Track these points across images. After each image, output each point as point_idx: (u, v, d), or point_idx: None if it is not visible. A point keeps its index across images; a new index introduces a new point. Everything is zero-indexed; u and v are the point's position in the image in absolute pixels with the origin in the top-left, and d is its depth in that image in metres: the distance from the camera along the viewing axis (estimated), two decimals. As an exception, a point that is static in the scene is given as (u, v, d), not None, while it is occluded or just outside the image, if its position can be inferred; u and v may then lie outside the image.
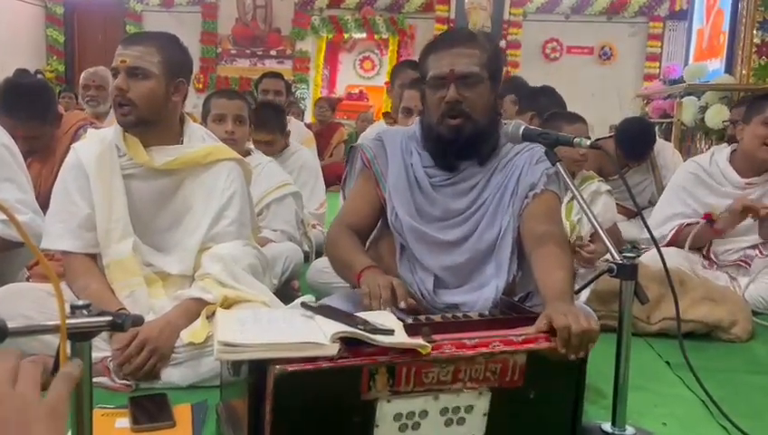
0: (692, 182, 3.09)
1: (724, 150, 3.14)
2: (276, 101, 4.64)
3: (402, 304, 1.56)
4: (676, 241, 3.03)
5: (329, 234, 1.94)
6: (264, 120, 3.55)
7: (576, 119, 3.03)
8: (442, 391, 1.30)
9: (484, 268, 1.80)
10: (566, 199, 3.00)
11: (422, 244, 1.81)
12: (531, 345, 1.34)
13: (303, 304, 1.48)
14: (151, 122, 1.96)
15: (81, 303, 1.04)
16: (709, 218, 2.93)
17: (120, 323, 1.04)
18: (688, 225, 3.02)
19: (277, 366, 1.19)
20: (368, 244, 1.96)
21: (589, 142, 1.60)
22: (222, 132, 2.81)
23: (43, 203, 2.40)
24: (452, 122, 1.77)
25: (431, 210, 1.84)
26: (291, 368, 1.19)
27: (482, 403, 1.33)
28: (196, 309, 1.87)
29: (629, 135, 4.13)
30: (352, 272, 1.73)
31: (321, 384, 1.22)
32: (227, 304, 1.87)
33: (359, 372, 1.24)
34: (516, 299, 1.69)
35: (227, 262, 1.92)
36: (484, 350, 1.31)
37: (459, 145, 1.80)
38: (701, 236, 3.01)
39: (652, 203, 4.35)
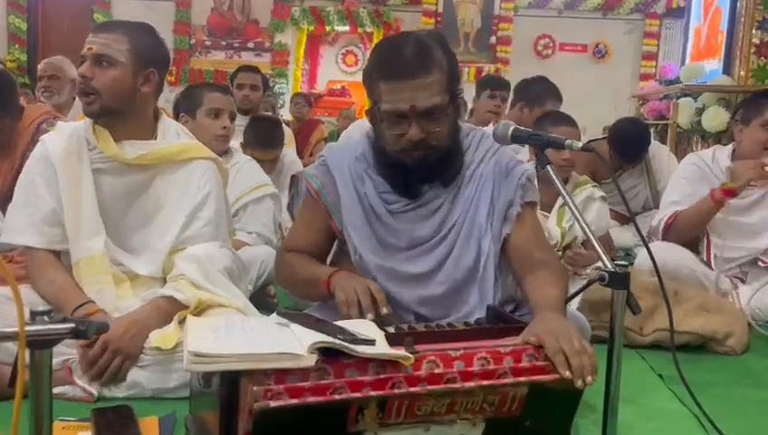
0: (694, 174, 3.06)
1: (725, 149, 3.13)
2: (252, 96, 4.61)
3: (384, 310, 1.54)
4: (670, 227, 2.99)
5: (277, 261, 1.90)
6: (269, 139, 3.58)
7: (563, 120, 3.04)
8: (434, 422, 1.30)
9: (466, 299, 1.72)
10: (557, 205, 3.02)
11: (393, 281, 1.72)
12: (535, 377, 1.33)
13: (279, 312, 1.48)
14: (118, 113, 1.96)
15: (41, 308, 1.03)
16: (731, 193, 2.87)
17: (84, 330, 1.04)
18: (682, 211, 2.99)
19: (257, 405, 1.15)
20: None
21: (581, 145, 1.61)
22: (218, 128, 2.83)
23: (2, 199, 2.38)
24: (416, 154, 1.68)
25: (395, 241, 1.75)
26: (273, 404, 1.16)
27: (475, 433, 1.33)
28: (168, 309, 1.86)
29: (623, 136, 4.17)
30: (318, 283, 1.66)
31: (305, 418, 1.20)
32: (200, 308, 1.87)
33: (346, 408, 1.23)
34: (509, 310, 1.70)
35: (203, 262, 1.92)
36: (484, 383, 1.28)
37: (424, 172, 1.71)
38: (703, 212, 2.95)
39: (646, 208, 4.40)
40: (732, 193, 2.87)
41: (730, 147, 3.12)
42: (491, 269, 1.73)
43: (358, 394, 1.22)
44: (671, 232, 2.99)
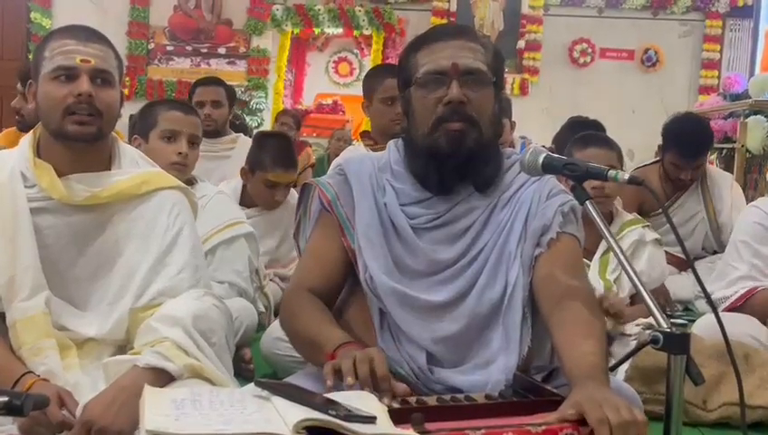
0: (757, 236, 3.01)
1: None
2: (215, 115, 4.65)
3: (386, 401, 1.49)
4: (743, 305, 2.96)
5: (285, 302, 1.92)
6: (288, 156, 3.73)
7: (591, 141, 3.06)
8: None
9: (488, 339, 1.78)
10: (599, 252, 3.03)
11: (406, 310, 1.79)
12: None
13: (257, 382, 1.48)
14: (101, 140, 2.00)
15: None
16: None
17: (19, 404, 1.05)
18: (764, 289, 2.93)
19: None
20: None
21: (627, 176, 1.62)
22: (172, 154, 2.84)
23: None
24: (453, 126, 1.79)
25: (413, 263, 1.82)
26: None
27: None
28: (154, 382, 1.77)
29: (680, 130, 4.22)
30: (322, 351, 1.68)
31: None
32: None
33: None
34: (539, 378, 1.70)
35: (187, 325, 1.88)
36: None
37: (459, 159, 1.80)
38: None
39: (707, 249, 4.42)
40: None
41: None
42: (518, 304, 1.76)
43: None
44: (743, 309, 2.95)
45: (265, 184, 3.65)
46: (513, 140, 4.46)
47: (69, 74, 1.94)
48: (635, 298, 2.99)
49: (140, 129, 2.97)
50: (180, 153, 2.87)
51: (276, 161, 3.65)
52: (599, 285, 2.95)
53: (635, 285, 1.57)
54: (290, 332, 1.88)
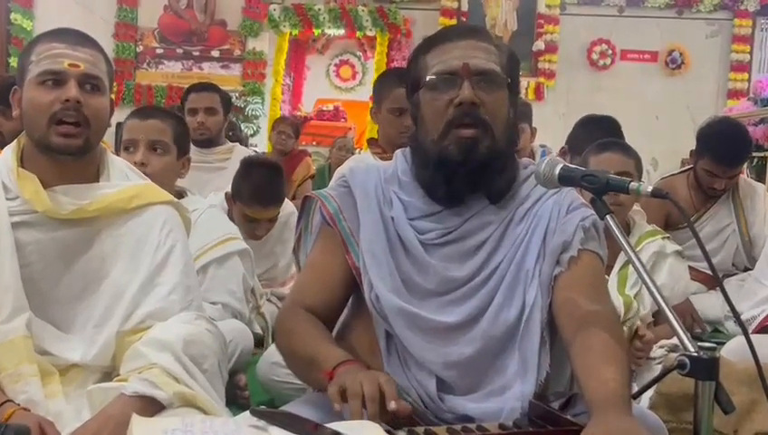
0: None
1: None
2: (209, 123, 4.58)
3: (392, 405, 1.51)
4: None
5: (280, 319, 1.91)
6: (268, 191, 3.63)
7: (607, 147, 3.06)
8: None
9: (504, 365, 1.76)
10: (617, 266, 3.02)
11: (415, 332, 1.77)
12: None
13: (253, 411, 1.48)
14: (89, 152, 2.00)
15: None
16: None
17: (-3, 436, 1.05)
18: None
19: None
20: (333, 334, 1.90)
21: (650, 189, 1.62)
22: (131, 165, 2.82)
23: None
24: (464, 133, 1.78)
25: (423, 281, 1.81)
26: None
27: None
28: (141, 410, 1.76)
29: (718, 133, 4.18)
30: (320, 369, 1.67)
31: None
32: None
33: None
34: (557, 406, 1.69)
35: (177, 350, 1.88)
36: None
37: (471, 168, 1.79)
38: None
39: (736, 265, 4.41)
40: None
41: None
42: (535, 326, 1.75)
43: None
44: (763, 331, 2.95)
45: (244, 218, 3.58)
46: (534, 149, 4.45)
47: (56, 79, 1.94)
48: (658, 317, 2.98)
49: (116, 143, 3.00)
50: (136, 162, 2.79)
51: (255, 196, 3.57)
52: (618, 302, 2.95)
53: (658, 303, 1.56)
54: (285, 350, 1.88)
